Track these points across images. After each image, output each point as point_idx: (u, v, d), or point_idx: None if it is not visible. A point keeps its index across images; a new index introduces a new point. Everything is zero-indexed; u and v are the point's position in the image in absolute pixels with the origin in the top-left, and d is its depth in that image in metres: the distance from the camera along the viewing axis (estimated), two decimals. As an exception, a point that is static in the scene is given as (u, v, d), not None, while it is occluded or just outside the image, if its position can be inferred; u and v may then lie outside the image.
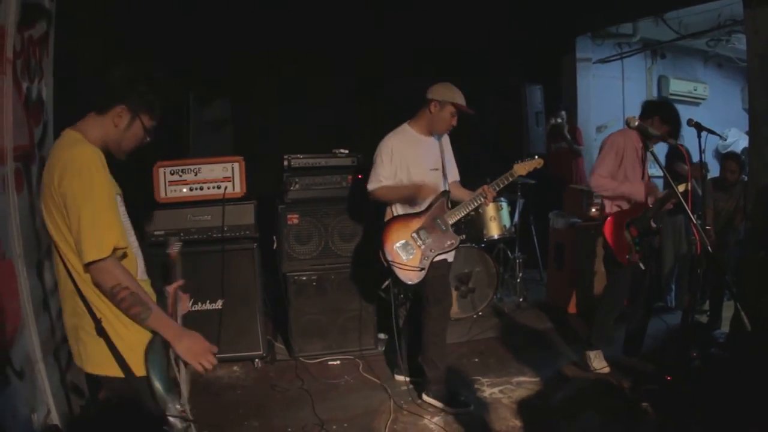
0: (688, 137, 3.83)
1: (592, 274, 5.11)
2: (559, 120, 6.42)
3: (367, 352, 4.30)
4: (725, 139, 8.49)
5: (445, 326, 3.54)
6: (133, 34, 4.59)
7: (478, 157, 5.52)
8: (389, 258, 3.30)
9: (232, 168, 3.95)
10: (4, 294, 2.43)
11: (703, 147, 3.25)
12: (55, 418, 2.67)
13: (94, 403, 2.26)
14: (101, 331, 1.81)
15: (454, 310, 4.55)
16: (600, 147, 3.96)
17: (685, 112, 3.98)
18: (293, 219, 4.19)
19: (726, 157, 5.11)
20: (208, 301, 3.95)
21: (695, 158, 3.48)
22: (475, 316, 4.98)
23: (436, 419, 3.36)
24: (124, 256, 1.86)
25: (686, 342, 3.96)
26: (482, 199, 3.37)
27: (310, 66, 5.93)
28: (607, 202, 3.87)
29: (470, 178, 3.74)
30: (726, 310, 4.72)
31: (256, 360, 4.11)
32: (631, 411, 3.39)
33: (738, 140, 8.22)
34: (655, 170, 4.64)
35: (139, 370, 1.84)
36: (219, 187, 3.93)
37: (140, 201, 3.78)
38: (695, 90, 8.45)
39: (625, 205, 3.82)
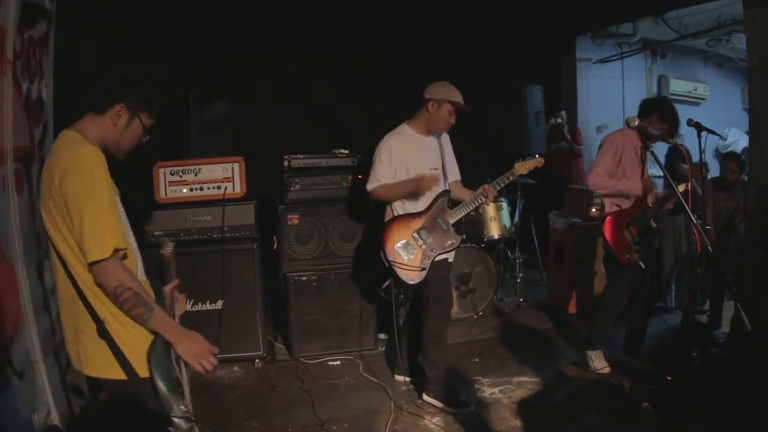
0: (688, 137, 3.83)
1: (592, 274, 5.11)
2: (559, 120, 6.42)
3: (367, 353, 4.30)
4: (725, 139, 8.50)
5: (445, 326, 3.54)
6: (133, 34, 4.60)
7: (479, 157, 5.53)
8: (390, 258, 3.30)
9: (233, 168, 3.95)
10: (5, 294, 2.43)
11: (703, 147, 3.24)
12: (55, 419, 2.67)
13: (95, 404, 2.26)
14: (103, 333, 1.81)
15: (455, 310, 4.55)
16: (599, 146, 3.96)
17: (685, 112, 3.98)
18: (293, 219, 4.18)
19: (726, 157, 5.11)
20: (208, 302, 3.95)
21: (695, 158, 3.48)
22: (475, 316, 4.98)
23: (436, 419, 3.36)
24: (125, 257, 1.86)
25: (686, 342, 3.96)
26: (483, 199, 3.36)
27: (310, 66, 5.93)
28: (606, 202, 3.86)
29: (471, 179, 3.73)
30: (726, 309, 4.72)
31: (257, 360, 4.11)
32: (632, 411, 3.39)
33: (738, 140, 8.23)
34: (655, 170, 4.64)
35: (142, 371, 1.84)
36: (219, 188, 3.93)
37: (140, 201, 3.78)
38: (695, 90, 8.45)
39: (625, 204, 3.82)
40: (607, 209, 3.85)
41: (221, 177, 3.94)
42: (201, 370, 1.86)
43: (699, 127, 3.23)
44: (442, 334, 3.51)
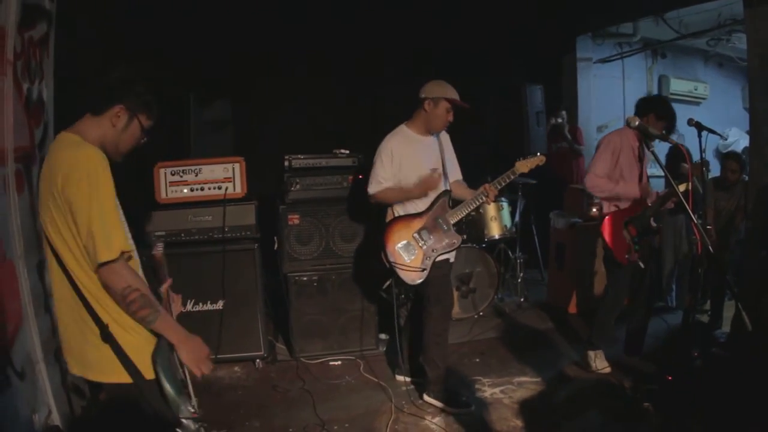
0: (689, 137, 3.83)
1: (592, 274, 5.11)
2: (560, 120, 6.42)
3: (368, 353, 4.30)
4: (726, 139, 8.49)
5: (446, 326, 3.54)
6: (134, 35, 4.60)
7: (479, 157, 5.53)
8: (391, 259, 3.30)
9: (233, 168, 3.95)
10: (5, 294, 2.43)
11: (703, 147, 3.24)
12: (56, 419, 2.67)
13: (96, 405, 2.25)
14: (107, 338, 1.80)
15: (456, 310, 4.55)
16: (596, 147, 3.96)
17: (685, 112, 3.99)
18: (294, 219, 4.19)
19: (726, 157, 5.10)
20: (209, 302, 3.95)
21: (696, 158, 3.48)
22: (476, 316, 4.98)
23: (437, 419, 3.36)
24: (129, 258, 1.86)
25: (687, 342, 3.95)
26: (484, 198, 3.35)
27: (310, 66, 5.93)
28: (605, 202, 3.86)
29: (471, 179, 3.73)
30: (727, 309, 4.71)
31: (257, 360, 4.11)
32: (633, 411, 3.39)
33: (738, 140, 8.22)
34: (655, 170, 4.64)
35: (147, 373, 1.84)
36: (220, 188, 3.93)
37: (141, 201, 3.78)
38: (696, 89, 8.45)
39: (623, 204, 3.81)
40: (605, 209, 3.84)
41: (222, 177, 3.94)
42: (198, 374, 1.86)
43: (699, 127, 3.23)
44: (443, 334, 3.50)
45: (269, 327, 4.31)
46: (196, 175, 3.92)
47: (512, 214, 5.18)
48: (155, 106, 1.97)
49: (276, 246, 4.25)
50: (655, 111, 3.69)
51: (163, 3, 4.87)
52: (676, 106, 3.89)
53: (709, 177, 5.01)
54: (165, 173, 3.89)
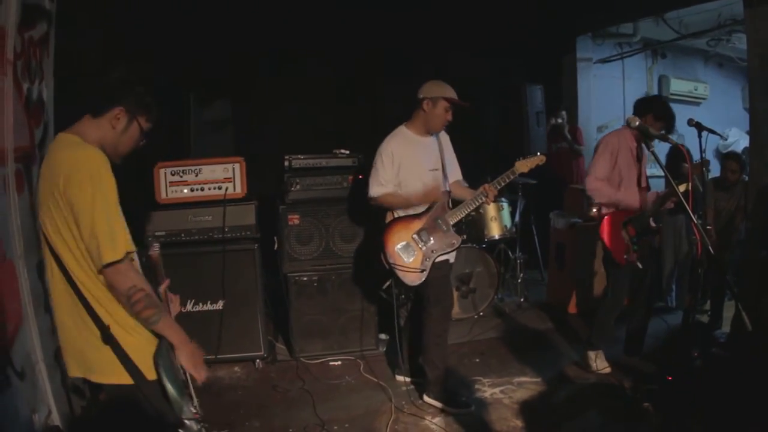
0: (689, 137, 3.83)
1: (592, 274, 5.11)
2: (560, 120, 6.42)
3: (368, 353, 4.30)
4: (726, 139, 8.49)
5: (446, 327, 3.54)
6: (134, 35, 4.60)
7: (479, 157, 5.53)
8: (391, 260, 3.30)
9: (233, 169, 3.96)
10: (5, 294, 2.43)
11: (703, 147, 3.24)
12: (56, 419, 2.67)
13: (96, 405, 2.25)
14: (108, 339, 1.80)
15: (455, 311, 4.54)
16: (595, 148, 3.95)
17: (685, 112, 3.99)
18: (294, 219, 4.19)
19: (727, 157, 5.10)
20: (209, 302, 3.95)
21: (696, 158, 3.48)
22: (476, 317, 4.98)
23: (436, 420, 3.36)
24: (132, 258, 1.86)
25: (687, 342, 3.95)
26: (483, 198, 3.34)
27: (310, 66, 5.93)
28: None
29: (471, 179, 3.73)
30: (727, 309, 4.71)
31: (257, 360, 4.11)
32: (633, 411, 3.39)
33: (738, 140, 8.22)
34: (655, 170, 4.64)
35: (149, 374, 1.84)
36: (220, 188, 3.93)
37: (141, 202, 3.78)
38: (696, 90, 8.44)
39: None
40: (604, 210, 3.84)
41: (222, 177, 3.94)
42: (199, 379, 1.87)
43: (699, 127, 3.23)
44: (443, 334, 3.50)
45: (269, 327, 4.31)
46: (196, 176, 3.92)
47: (512, 215, 5.17)
48: (155, 109, 1.97)
49: (276, 246, 4.25)
50: (653, 111, 3.69)
51: (162, 3, 4.87)
52: (676, 106, 3.89)
53: (709, 177, 5.01)
54: (165, 173, 3.89)
